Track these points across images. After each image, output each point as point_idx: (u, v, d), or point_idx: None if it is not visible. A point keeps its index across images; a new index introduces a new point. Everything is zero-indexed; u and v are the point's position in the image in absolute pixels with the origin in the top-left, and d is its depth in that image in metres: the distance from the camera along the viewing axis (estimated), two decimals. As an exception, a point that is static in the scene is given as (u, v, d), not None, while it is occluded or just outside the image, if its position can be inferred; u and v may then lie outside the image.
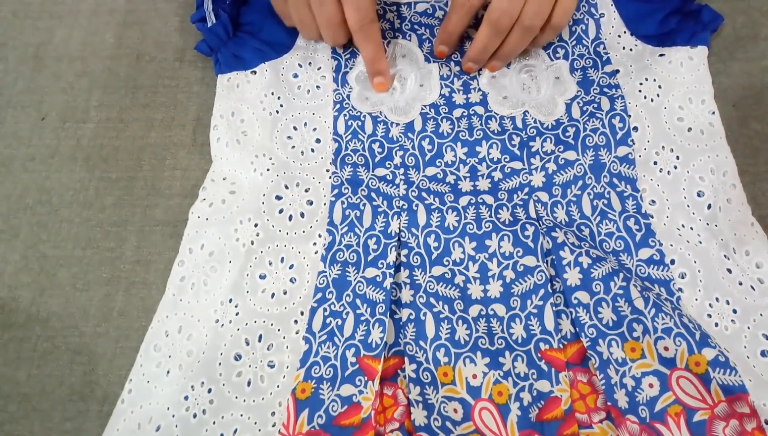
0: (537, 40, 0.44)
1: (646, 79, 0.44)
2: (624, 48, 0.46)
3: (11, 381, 0.40)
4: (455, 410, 0.35)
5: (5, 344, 0.41)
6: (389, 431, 0.34)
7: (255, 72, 0.46)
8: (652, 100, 0.44)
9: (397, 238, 0.40)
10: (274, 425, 0.35)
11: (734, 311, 0.37)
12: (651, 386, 0.34)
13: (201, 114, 0.48)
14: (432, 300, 0.38)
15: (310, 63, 0.47)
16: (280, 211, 0.42)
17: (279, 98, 0.45)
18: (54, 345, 0.41)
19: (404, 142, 0.43)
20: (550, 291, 0.37)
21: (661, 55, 0.45)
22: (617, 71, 0.45)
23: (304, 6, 0.42)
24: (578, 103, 0.44)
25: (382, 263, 0.39)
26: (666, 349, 0.34)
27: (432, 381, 0.35)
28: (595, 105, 0.44)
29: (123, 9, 0.52)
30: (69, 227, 0.45)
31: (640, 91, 0.44)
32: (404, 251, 0.39)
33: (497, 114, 0.44)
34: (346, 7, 0.41)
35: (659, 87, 0.44)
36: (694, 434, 0.32)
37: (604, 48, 0.46)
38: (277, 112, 0.45)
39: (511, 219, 0.40)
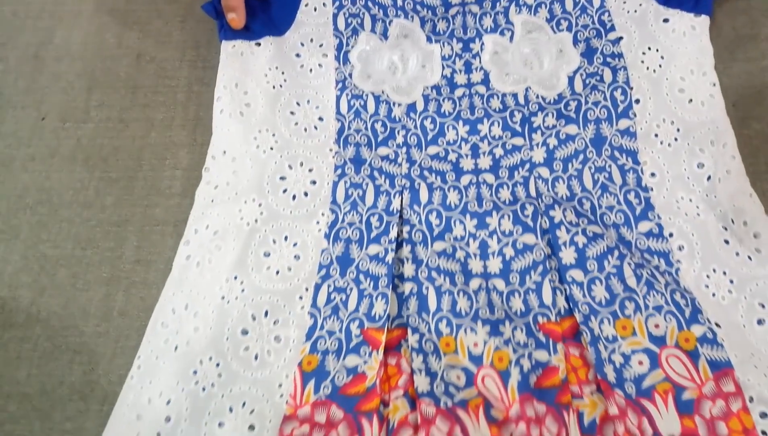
0: None
1: (649, 49, 0.45)
2: (629, 12, 0.46)
3: (11, 381, 0.40)
4: (458, 377, 0.35)
5: (5, 344, 0.41)
6: (394, 398, 0.35)
7: (259, 44, 0.46)
8: (654, 71, 0.44)
9: (399, 215, 0.41)
10: (281, 396, 0.36)
11: (731, 281, 0.37)
12: (641, 363, 0.35)
13: (201, 114, 0.48)
14: (434, 274, 0.38)
15: (311, 39, 0.47)
16: (284, 191, 0.42)
17: (283, 73, 0.46)
18: (54, 345, 0.41)
19: (406, 121, 0.44)
20: (548, 268, 0.38)
21: (665, 20, 0.45)
22: (621, 38, 0.45)
23: None
24: (581, 75, 0.45)
25: (384, 240, 0.40)
26: (656, 326, 0.35)
27: (435, 350, 0.36)
28: (598, 77, 0.44)
29: (123, 9, 0.52)
30: (69, 227, 0.45)
31: (642, 61, 0.44)
32: (406, 228, 0.40)
33: (499, 91, 0.45)
34: None
35: (662, 57, 0.44)
36: (682, 412, 0.33)
37: (609, 15, 0.46)
38: (281, 86, 0.45)
39: (511, 199, 0.41)
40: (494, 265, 0.39)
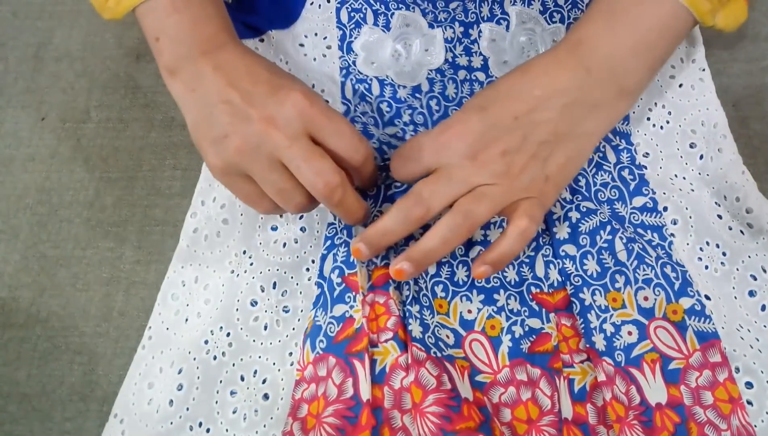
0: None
1: None
2: None
3: (11, 381, 0.40)
4: (447, 336, 0.37)
5: (5, 344, 0.41)
6: (383, 341, 0.35)
7: (263, 40, 0.47)
8: None
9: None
10: (291, 365, 0.37)
11: (724, 254, 0.38)
12: (630, 333, 0.35)
13: (201, 114, 0.48)
14: None
15: (315, 33, 0.48)
16: None
17: (287, 63, 0.46)
18: (54, 345, 0.41)
19: (412, 102, 0.45)
20: (542, 244, 0.39)
21: None
22: None
23: (244, 181, 0.35)
24: None
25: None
26: (645, 299, 0.36)
27: (429, 306, 0.37)
28: None
29: (123, 9, 0.52)
30: (69, 227, 0.45)
31: None
32: None
33: (498, 78, 0.45)
34: (300, 174, 0.34)
35: None
36: (669, 381, 0.34)
37: None
38: None
39: None
40: (493, 236, 0.40)
